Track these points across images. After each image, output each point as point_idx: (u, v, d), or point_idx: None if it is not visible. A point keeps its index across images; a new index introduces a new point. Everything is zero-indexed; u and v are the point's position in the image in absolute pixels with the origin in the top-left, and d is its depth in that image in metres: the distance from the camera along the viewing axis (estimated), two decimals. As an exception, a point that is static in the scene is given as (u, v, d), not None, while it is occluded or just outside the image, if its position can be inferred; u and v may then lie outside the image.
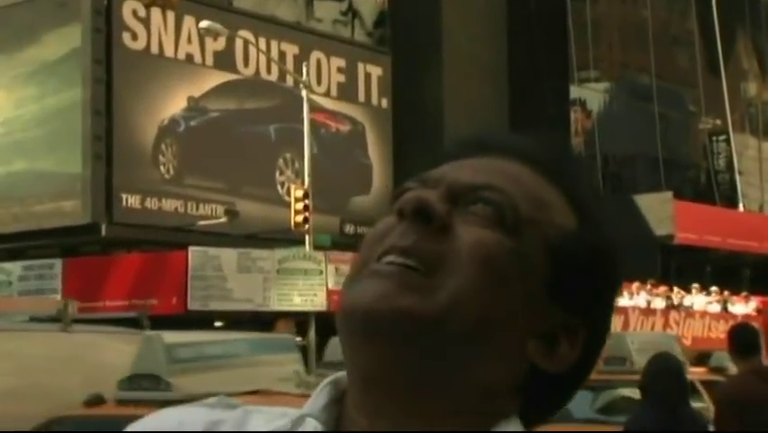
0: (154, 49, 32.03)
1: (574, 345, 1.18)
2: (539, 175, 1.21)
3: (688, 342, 28.55)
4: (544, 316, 1.16)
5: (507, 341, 1.14)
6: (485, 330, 1.12)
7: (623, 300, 28.45)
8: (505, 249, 1.13)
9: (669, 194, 38.29)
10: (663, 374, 7.60)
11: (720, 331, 25.72)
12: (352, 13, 38.34)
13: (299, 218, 27.74)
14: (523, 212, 1.16)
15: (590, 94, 41.64)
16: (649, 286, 30.55)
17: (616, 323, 26.31)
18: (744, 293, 35.14)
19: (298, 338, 28.88)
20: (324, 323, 27.52)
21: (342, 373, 1.21)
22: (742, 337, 8.88)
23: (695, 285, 33.49)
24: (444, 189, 1.17)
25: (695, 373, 15.39)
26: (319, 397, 1.19)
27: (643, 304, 29.66)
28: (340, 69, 36.82)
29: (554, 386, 1.20)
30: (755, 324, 19.07)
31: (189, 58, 32.86)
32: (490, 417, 1.14)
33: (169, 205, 31.52)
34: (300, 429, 1.18)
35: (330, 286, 27.84)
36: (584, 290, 1.19)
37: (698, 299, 33.01)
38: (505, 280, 1.13)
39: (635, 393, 10.73)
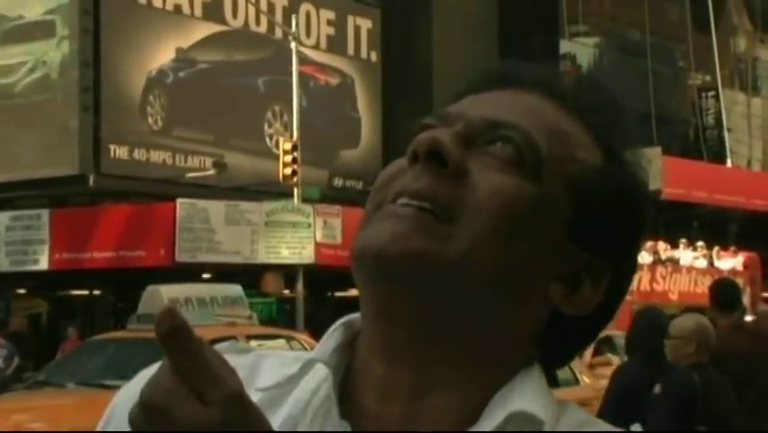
0: (142, -1, 31.85)
1: (598, 287, 1.15)
2: (563, 108, 1.17)
3: (674, 297, 28.73)
4: (565, 258, 1.13)
5: (528, 286, 1.12)
6: (504, 277, 1.09)
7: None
8: (524, 195, 1.10)
9: (657, 149, 38.25)
10: (650, 330, 7.61)
11: (706, 286, 25.80)
12: (342, -37, 38.16)
13: (288, 171, 27.73)
14: (543, 150, 1.12)
15: (580, 48, 41.55)
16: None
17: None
18: (731, 248, 35.29)
19: (286, 291, 29.07)
20: (312, 275, 27.62)
21: (355, 315, 1.18)
22: (723, 293, 8.93)
23: (682, 240, 33.64)
24: (462, 128, 1.13)
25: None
26: (330, 339, 1.16)
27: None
28: (329, 22, 36.65)
29: (577, 329, 1.17)
30: (741, 279, 19.15)
31: (178, 8, 32.67)
32: (512, 364, 1.12)
33: (158, 156, 31.45)
34: (308, 375, 1.16)
35: (318, 239, 27.91)
36: (608, 230, 1.15)
37: (684, 255, 33.15)
38: (524, 227, 1.10)
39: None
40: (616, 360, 17.46)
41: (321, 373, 1.14)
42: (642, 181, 1.21)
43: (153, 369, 1.08)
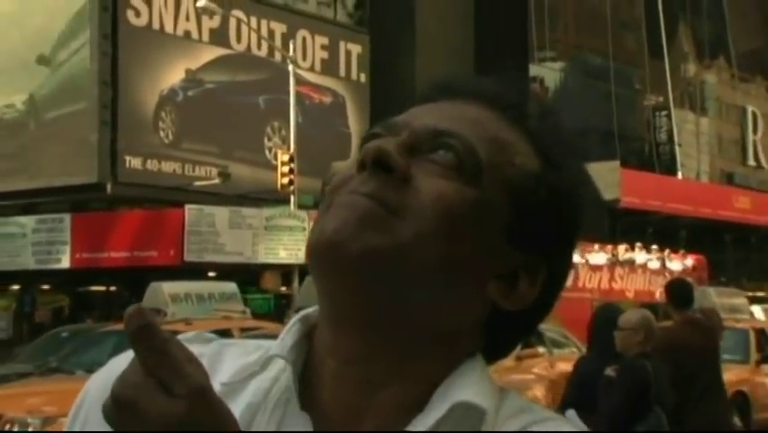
0: (155, 25, 31.80)
1: (534, 284, 1.12)
2: (503, 118, 1.13)
3: (631, 294, 28.77)
4: (504, 257, 1.10)
5: (468, 282, 1.08)
6: (445, 272, 1.06)
7: (573, 257, 28.56)
8: (464, 199, 1.07)
9: (616, 163, 38.44)
10: (608, 324, 7.62)
11: (659, 285, 25.85)
12: (335, -5, 38.19)
13: (285, 180, 27.72)
14: (483, 156, 1.09)
15: (548, 72, 41.62)
16: (596, 245, 30.68)
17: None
18: (681, 252, 35.35)
19: (283, 288, 29.06)
20: (307, 274, 27.58)
21: (311, 310, 1.15)
22: (678, 291, 8.95)
23: (638, 244, 33.63)
24: (407, 137, 1.10)
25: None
26: (288, 336, 1.12)
27: (591, 261, 29.80)
28: (323, 47, 36.66)
29: (515, 323, 1.14)
30: (691, 279, 19.13)
31: (187, 34, 32.66)
32: (455, 355, 1.09)
33: (168, 167, 31.41)
34: (268, 371, 1.12)
35: (312, 242, 27.83)
36: (545, 231, 1.12)
37: (639, 256, 33.14)
38: (464, 228, 1.06)
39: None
40: (543, 351, 17.23)
41: (281, 363, 1.11)
42: (579, 186, 1.17)
43: (122, 358, 1.08)
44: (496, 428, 1.04)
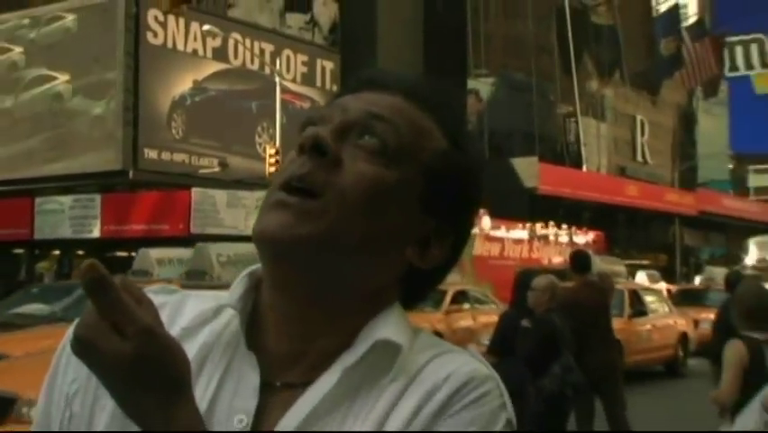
0: (169, 44, 31.49)
1: (443, 247, 1.09)
2: (419, 108, 1.08)
3: (545, 262, 28.89)
4: (418, 226, 1.07)
5: (389, 249, 1.05)
6: (369, 244, 1.03)
7: (500, 232, 28.57)
8: (384, 180, 1.03)
9: (535, 158, 38.57)
10: (524, 287, 7.67)
11: (567, 255, 26.08)
12: (313, 22, 37.87)
13: (272, 169, 27.51)
14: (402, 139, 1.05)
15: (482, 86, 41.64)
16: (519, 224, 30.78)
17: (494, 249, 26.38)
18: (584, 229, 35.53)
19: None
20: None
21: (257, 266, 1.09)
22: (578, 260, 9.03)
23: (551, 222, 33.77)
24: (339, 123, 1.06)
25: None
26: (236, 288, 1.08)
27: (515, 236, 29.89)
28: (303, 63, 36.44)
29: (427, 278, 1.11)
30: (591, 250, 19.27)
31: (195, 52, 32.36)
32: (378, 306, 1.06)
33: (178, 157, 31.16)
34: (221, 318, 1.08)
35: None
36: (452, 202, 1.09)
37: (552, 232, 33.25)
38: (383, 204, 1.03)
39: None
40: (468, 307, 16.95)
41: (228, 316, 1.07)
42: (479, 165, 1.13)
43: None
44: (409, 359, 1.02)
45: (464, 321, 16.46)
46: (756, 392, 4.48)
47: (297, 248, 1.01)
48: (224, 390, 1.03)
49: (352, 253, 1.03)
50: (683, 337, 18.15)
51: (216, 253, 13.85)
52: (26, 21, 33.13)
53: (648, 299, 17.94)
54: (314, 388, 1.01)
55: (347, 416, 0.99)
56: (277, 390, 1.03)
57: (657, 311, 17.86)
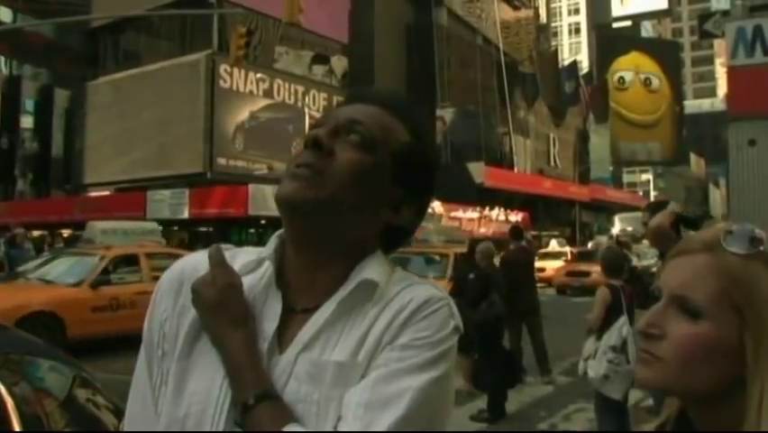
0: (234, 87, 31.22)
1: (411, 210, 1.07)
2: (389, 113, 1.07)
3: (489, 233, 28.81)
4: (391, 194, 1.05)
5: (370, 211, 1.04)
6: (355, 206, 1.02)
7: (459, 213, 28.51)
8: (364, 163, 1.02)
9: (482, 163, 38.49)
10: (472, 251, 7.64)
11: (506, 229, 26.09)
12: (331, 71, 37.60)
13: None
14: (375, 135, 1.04)
15: (446, 113, 41.28)
16: (470, 208, 30.73)
17: (454, 225, 26.26)
18: (516, 211, 35.53)
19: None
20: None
21: (282, 230, 1.08)
22: (514, 231, 9.01)
23: (495, 206, 33.79)
24: (332, 126, 1.05)
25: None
26: (270, 245, 1.08)
27: (468, 216, 29.88)
28: (324, 99, 36.01)
29: (400, 233, 1.09)
30: (522, 224, 19.31)
31: (250, 92, 32.10)
32: (363, 253, 1.04)
33: (240, 163, 30.97)
34: (261, 267, 1.08)
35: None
36: (415, 177, 1.07)
37: (494, 213, 33.33)
38: (365, 180, 1.02)
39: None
40: None
41: (267, 264, 1.07)
42: (434, 152, 1.11)
43: (180, 261, 1.10)
44: (386, 290, 1.01)
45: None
46: (615, 319, 4.59)
47: (306, 206, 1.00)
48: (263, 316, 1.04)
49: (343, 214, 1.02)
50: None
51: (101, 228, 12.31)
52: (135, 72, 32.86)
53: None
54: (318, 313, 1.01)
55: (342, 332, 1.00)
56: (297, 313, 1.03)
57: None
